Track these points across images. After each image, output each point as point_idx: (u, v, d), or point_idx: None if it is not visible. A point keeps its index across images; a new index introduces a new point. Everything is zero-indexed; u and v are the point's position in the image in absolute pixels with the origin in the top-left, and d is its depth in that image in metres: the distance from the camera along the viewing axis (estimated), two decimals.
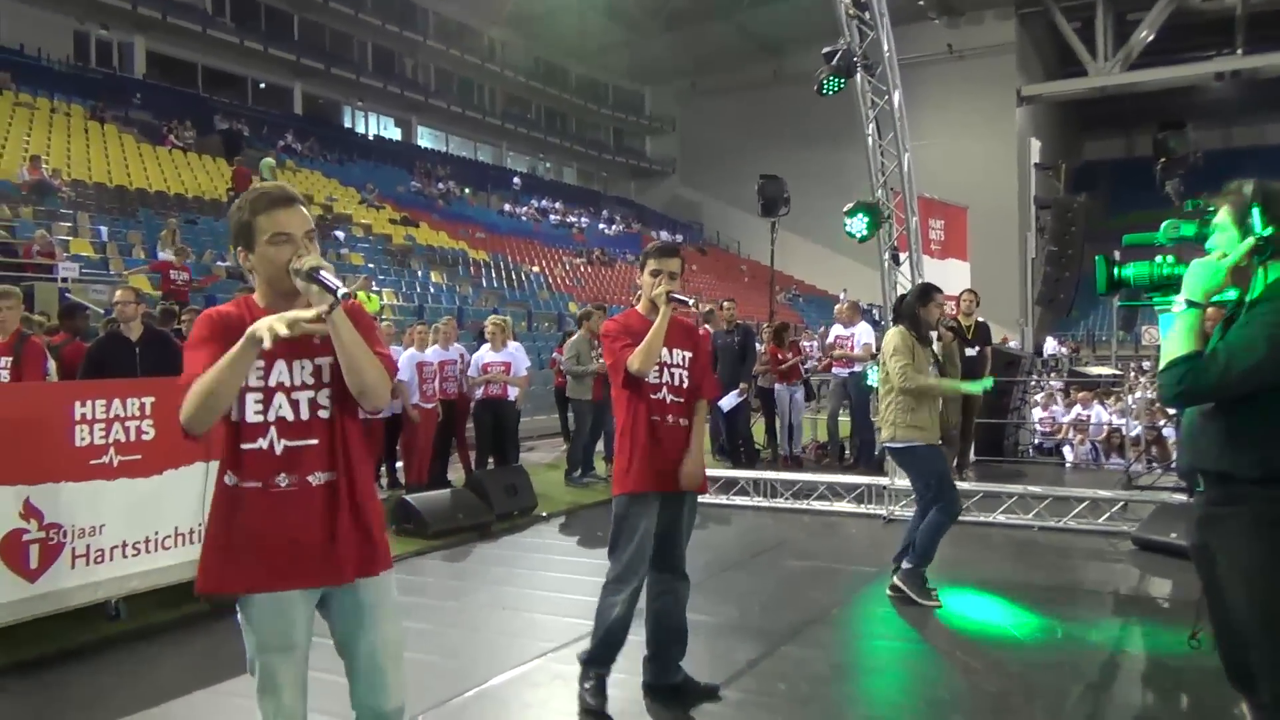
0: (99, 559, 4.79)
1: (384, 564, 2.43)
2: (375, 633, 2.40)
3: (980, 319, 9.36)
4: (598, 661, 3.89)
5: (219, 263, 16.89)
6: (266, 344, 2.11)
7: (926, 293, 5.52)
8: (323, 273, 2.23)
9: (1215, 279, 2.46)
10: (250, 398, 2.31)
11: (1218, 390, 2.46)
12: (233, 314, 2.34)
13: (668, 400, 3.81)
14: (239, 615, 2.36)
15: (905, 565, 5.32)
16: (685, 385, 3.86)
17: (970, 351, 8.75)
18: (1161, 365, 2.53)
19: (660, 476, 3.78)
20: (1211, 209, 2.64)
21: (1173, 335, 2.49)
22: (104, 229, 16.82)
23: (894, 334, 5.46)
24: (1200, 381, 2.44)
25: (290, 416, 2.33)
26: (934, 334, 5.45)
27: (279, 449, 2.31)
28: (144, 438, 4.97)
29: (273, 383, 2.32)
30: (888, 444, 5.51)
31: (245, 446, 2.30)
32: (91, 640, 4.78)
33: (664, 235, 40.94)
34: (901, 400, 5.27)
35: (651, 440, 3.76)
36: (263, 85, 32.83)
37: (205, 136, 25.22)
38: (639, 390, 3.78)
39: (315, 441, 2.33)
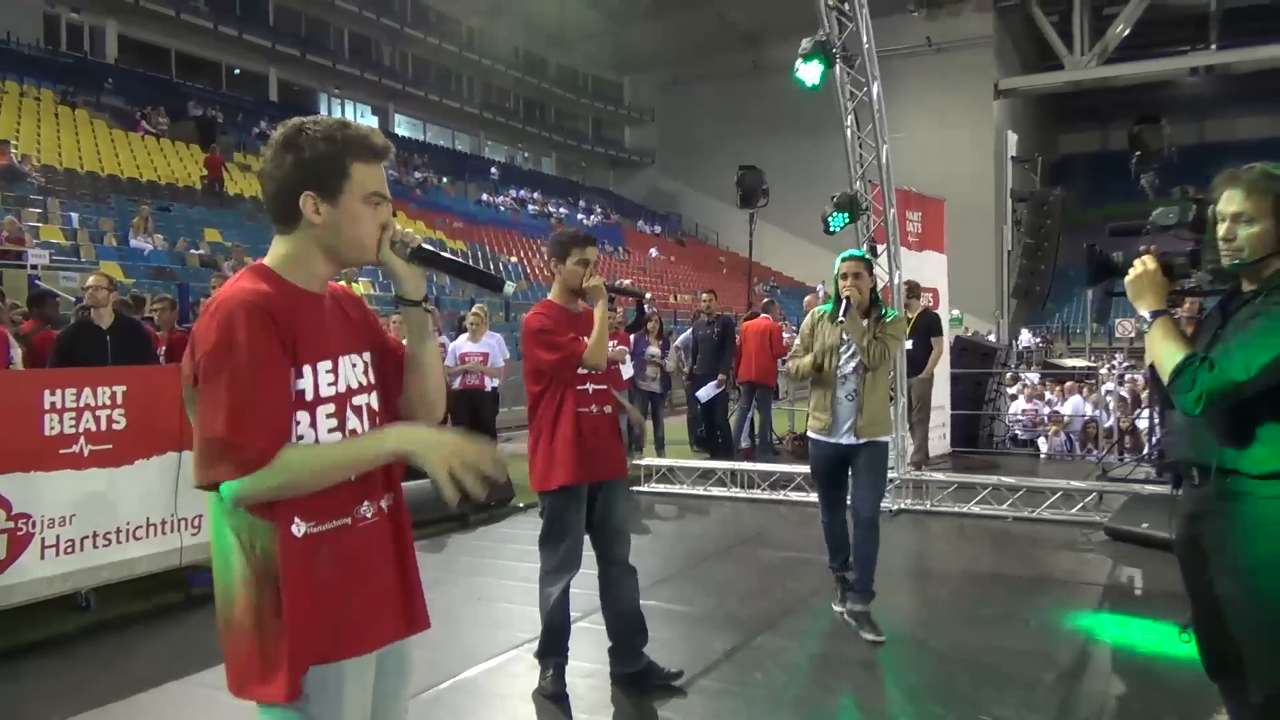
0: (69, 549, 4.73)
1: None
2: (404, 698, 1.96)
3: (935, 310, 9.24)
4: (550, 652, 3.94)
5: (192, 250, 16.69)
6: (450, 498, 1.67)
7: (837, 262, 4.77)
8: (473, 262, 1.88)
9: (1156, 284, 2.52)
10: (322, 411, 1.76)
11: (1243, 387, 2.37)
12: (275, 301, 1.71)
13: (591, 390, 3.83)
14: (302, 710, 1.71)
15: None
16: (604, 372, 3.88)
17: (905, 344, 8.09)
18: (1167, 379, 2.44)
19: (590, 467, 3.79)
20: (1204, 197, 2.59)
21: (1158, 346, 2.47)
22: (74, 215, 16.59)
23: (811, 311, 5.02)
24: (1222, 381, 2.36)
25: (360, 429, 1.82)
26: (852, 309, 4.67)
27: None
28: (115, 427, 4.92)
29: (342, 388, 1.80)
30: None
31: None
32: (62, 632, 4.72)
33: (642, 225, 40.93)
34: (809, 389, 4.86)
35: (578, 433, 3.76)
36: (237, 71, 32.45)
37: (178, 122, 24.92)
38: (569, 384, 3.77)
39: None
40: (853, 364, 4.68)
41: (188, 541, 5.27)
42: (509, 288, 1.93)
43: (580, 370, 3.76)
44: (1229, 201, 2.45)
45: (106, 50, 28.13)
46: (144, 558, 5.08)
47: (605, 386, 3.89)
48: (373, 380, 1.88)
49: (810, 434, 4.86)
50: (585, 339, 3.74)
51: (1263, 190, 2.40)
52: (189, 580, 5.44)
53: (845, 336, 4.66)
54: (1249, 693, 2.51)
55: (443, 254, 1.90)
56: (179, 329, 8.10)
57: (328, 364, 1.78)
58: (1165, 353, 2.44)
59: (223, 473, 1.61)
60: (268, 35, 31.48)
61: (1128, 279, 2.56)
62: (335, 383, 1.79)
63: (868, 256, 4.96)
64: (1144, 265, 2.53)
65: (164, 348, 7.48)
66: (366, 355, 1.88)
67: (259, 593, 1.70)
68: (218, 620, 1.77)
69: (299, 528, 1.71)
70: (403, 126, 38.44)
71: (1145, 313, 2.51)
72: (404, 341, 1.97)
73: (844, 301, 4.58)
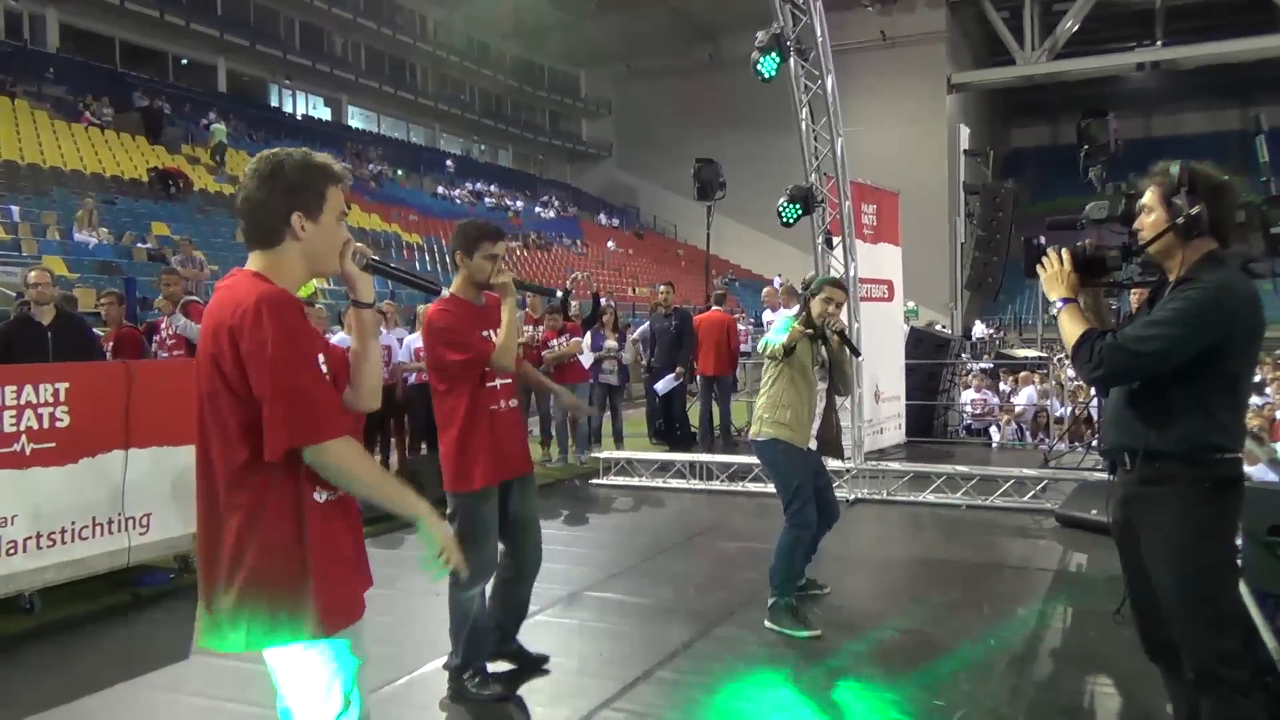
0: (11, 551, 4.62)
1: None
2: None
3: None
4: (476, 657, 3.88)
5: (139, 244, 16.34)
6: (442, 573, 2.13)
7: (821, 284, 4.79)
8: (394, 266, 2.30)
9: (1066, 278, 2.76)
10: None
11: (1137, 368, 2.58)
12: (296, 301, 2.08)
13: (499, 385, 3.76)
14: (330, 658, 2.02)
15: (768, 600, 4.74)
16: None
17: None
18: (1070, 354, 2.70)
19: (503, 466, 3.77)
20: (1135, 191, 2.72)
21: (1066, 327, 2.72)
22: (15, 209, 16.16)
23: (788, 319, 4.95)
24: (1118, 361, 2.56)
25: None
26: (830, 332, 4.74)
27: None
28: (58, 425, 4.79)
29: None
30: (752, 439, 4.91)
31: None
32: (5, 634, 4.61)
33: (601, 219, 40.85)
34: (773, 393, 4.71)
35: (493, 431, 3.71)
36: (185, 61, 31.73)
37: (124, 114, 24.27)
38: (480, 382, 3.69)
39: None
40: (823, 385, 4.87)
41: (135, 541, 5.15)
42: (445, 292, 2.35)
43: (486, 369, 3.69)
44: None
45: (47, 39, 27.31)
46: (90, 558, 4.96)
47: (510, 380, 3.81)
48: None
49: (791, 443, 4.68)
50: (494, 335, 3.64)
51: (1155, 183, 2.64)
52: (137, 580, 5.33)
53: (821, 357, 4.81)
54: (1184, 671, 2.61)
55: (390, 265, 2.29)
56: (126, 325, 7.91)
57: (320, 358, 2.05)
58: (1070, 332, 2.69)
59: (330, 431, 1.94)
60: (216, 24, 30.77)
61: (1041, 273, 2.80)
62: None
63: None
64: (1055, 262, 2.78)
65: (111, 343, 7.31)
66: (321, 356, 2.09)
67: (298, 549, 1.98)
68: (226, 585, 1.97)
69: (321, 494, 2.03)
70: (356, 118, 37.92)
71: (1056, 301, 2.75)
72: (352, 340, 2.31)
73: (835, 333, 4.73)
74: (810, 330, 4.71)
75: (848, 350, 4.88)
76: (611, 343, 10.35)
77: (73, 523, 4.87)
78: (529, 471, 3.95)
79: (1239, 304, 2.52)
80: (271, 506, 1.96)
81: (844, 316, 4.94)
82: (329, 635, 1.99)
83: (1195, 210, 2.53)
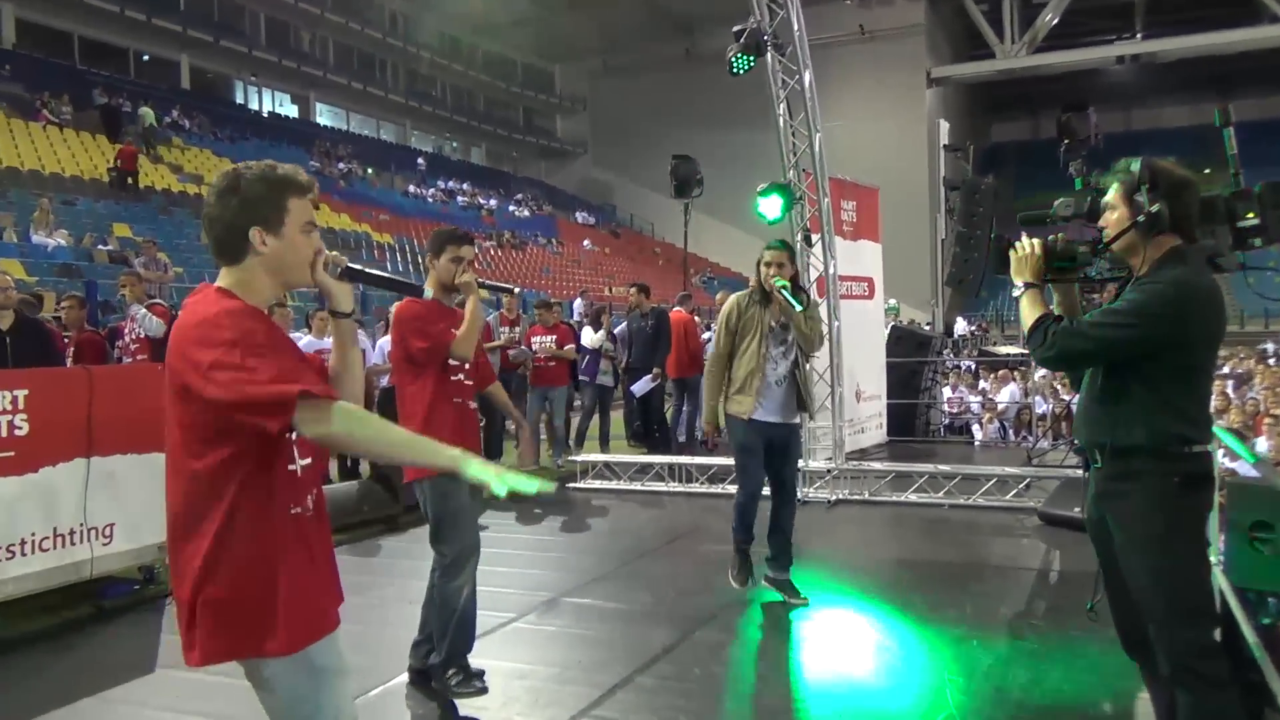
0: None
1: None
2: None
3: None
4: (462, 652, 3.85)
5: (100, 246, 16.03)
6: (497, 493, 1.86)
7: (762, 253, 4.93)
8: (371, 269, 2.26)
9: (1034, 263, 2.76)
10: None
11: (1087, 353, 2.65)
12: (256, 312, 2.04)
13: (465, 382, 3.87)
14: (294, 683, 2.00)
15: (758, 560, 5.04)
16: (471, 367, 3.93)
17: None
18: (1026, 335, 2.75)
19: None
20: (1101, 187, 2.73)
21: (1025, 310, 2.75)
22: None
23: (730, 300, 5.09)
24: (1070, 344, 2.62)
25: None
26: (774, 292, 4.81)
27: (299, 468, 2.07)
28: (17, 433, 4.63)
29: None
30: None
31: (292, 466, 2.04)
32: None
33: (577, 217, 40.64)
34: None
35: (458, 422, 3.78)
36: (146, 57, 31.16)
37: (83, 111, 23.78)
38: (445, 373, 3.79)
39: (310, 460, 2.11)
40: (783, 349, 4.87)
41: (98, 552, 4.99)
42: (428, 292, 2.36)
43: (451, 361, 3.77)
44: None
45: (3, 35, 26.70)
46: (51, 570, 4.79)
47: (471, 383, 3.92)
48: None
49: (736, 415, 4.87)
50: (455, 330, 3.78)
51: (1117, 180, 2.66)
52: (101, 592, 5.18)
53: (775, 324, 4.82)
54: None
55: (367, 270, 2.23)
56: (88, 329, 7.71)
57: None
58: (1028, 315, 2.73)
59: (290, 390, 1.82)
60: (178, 19, 30.11)
61: (1012, 254, 2.81)
62: None
63: (790, 246, 5.10)
64: (1027, 246, 2.79)
65: (72, 348, 7.12)
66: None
67: (268, 562, 1.95)
68: (199, 599, 1.94)
69: (296, 508, 2.02)
70: (325, 116, 37.44)
71: (1019, 284, 2.78)
72: (331, 352, 2.28)
73: (777, 290, 4.73)
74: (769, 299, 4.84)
75: (797, 306, 4.77)
76: (607, 344, 10.26)
77: (33, 534, 4.71)
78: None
79: (1196, 301, 2.54)
80: (241, 518, 1.93)
81: (811, 280, 4.99)
82: (297, 650, 1.96)
83: (1155, 208, 2.54)
